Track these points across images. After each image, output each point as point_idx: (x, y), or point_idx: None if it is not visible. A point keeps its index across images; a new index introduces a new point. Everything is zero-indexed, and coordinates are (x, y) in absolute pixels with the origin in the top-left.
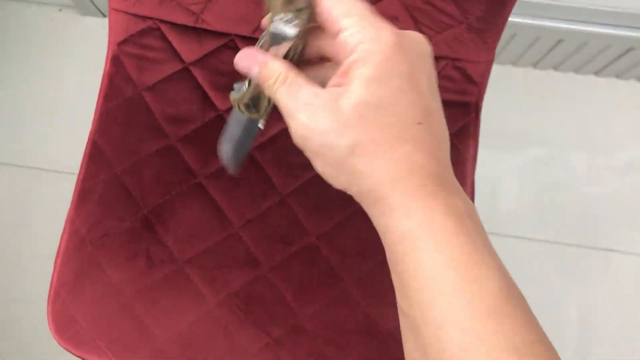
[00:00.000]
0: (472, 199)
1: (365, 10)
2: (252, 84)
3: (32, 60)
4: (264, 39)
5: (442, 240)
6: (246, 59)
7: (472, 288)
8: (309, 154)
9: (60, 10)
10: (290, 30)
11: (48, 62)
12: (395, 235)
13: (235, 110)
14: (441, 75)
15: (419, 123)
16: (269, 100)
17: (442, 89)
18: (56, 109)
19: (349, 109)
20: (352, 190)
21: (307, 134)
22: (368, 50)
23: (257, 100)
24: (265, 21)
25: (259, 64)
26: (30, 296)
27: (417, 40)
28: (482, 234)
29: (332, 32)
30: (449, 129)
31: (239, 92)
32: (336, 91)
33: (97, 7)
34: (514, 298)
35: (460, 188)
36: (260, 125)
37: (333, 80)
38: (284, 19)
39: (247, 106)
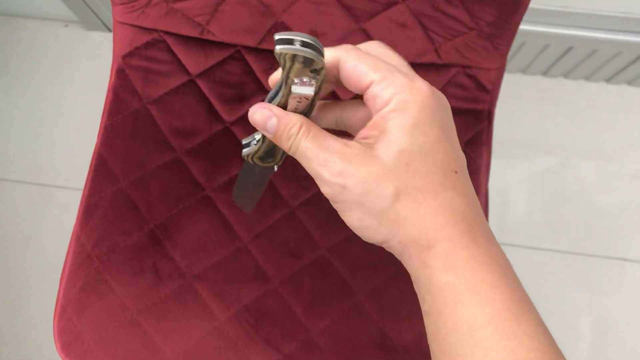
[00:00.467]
0: (486, 208)
1: (389, 64)
2: (266, 138)
3: (39, 77)
4: (278, 98)
5: (484, 294)
6: (261, 112)
7: (511, 345)
8: (344, 205)
9: (66, 26)
10: (309, 90)
11: (54, 78)
12: (437, 287)
13: (248, 162)
14: (452, 83)
15: (456, 171)
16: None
17: (453, 97)
18: (63, 125)
19: (391, 157)
20: (393, 242)
21: (345, 182)
22: (405, 100)
23: (272, 151)
24: (274, 78)
25: (276, 116)
26: (37, 313)
27: (439, 93)
28: (520, 284)
29: (358, 88)
30: (462, 138)
31: (251, 147)
32: (368, 142)
33: (102, 22)
34: (551, 354)
35: (493, 234)
36: (275, 168)
37: (362, 133)
38: (301, 81)
39: (261, 158)
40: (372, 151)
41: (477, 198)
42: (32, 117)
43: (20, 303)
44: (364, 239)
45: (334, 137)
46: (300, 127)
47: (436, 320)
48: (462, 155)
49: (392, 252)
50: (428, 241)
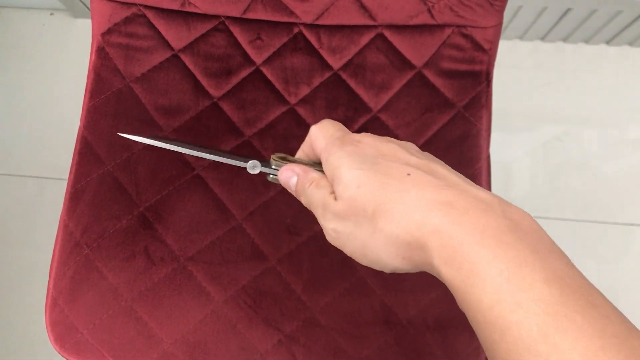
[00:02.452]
0: (489, 173)
1: (332, 137)
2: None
3: (26, 67)
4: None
5: (481, 277)
6: (285, 172)
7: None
8: (347, 248)
9: (51, 14)
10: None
11: (42, 67)
12: (450, 285)
13: None
14: (447, 45)
15: (408, 174)
16: None
17: (449, 59)
18: (54, 114)
19: (347, 188)
20: (400, 262)
21: (335, 226)
22: (333, 150)
23: None
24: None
25: (297, 175)
26: (33, 307)
27: (376, 136)
28: (538, 236)
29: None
30: (460, 101)
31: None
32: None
33: (89, 9)
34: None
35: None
36: None
37: None
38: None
39: None
40: (338, 194)
41: (452, 175)
42: (22, 108)
43: (17, 297)
44: (388, 272)
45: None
46: (312, 182)
47: (470, 317)
48: (415, 161)
49: (417, 271)
50: (417, 242)
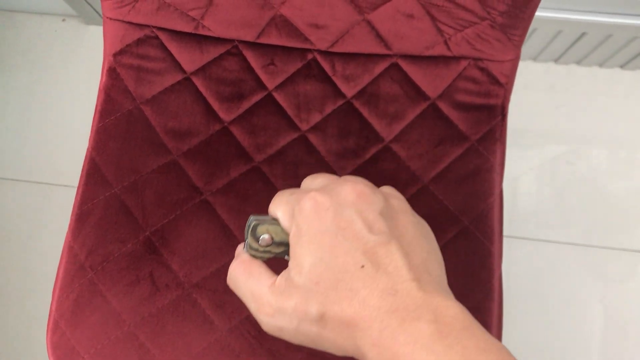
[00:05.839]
0: (501, 209)
1: (288, 197)
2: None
3: (37, 72)
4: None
5: None
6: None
7: None
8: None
9: (63, 20)
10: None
11: (53, 73)
12: None
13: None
14: (463, 77)
15: (362, 266)
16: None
17: (464, 91)
18: (63, 121)
19: (304, 280)
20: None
21: (279, 323)
22: (297, 224)
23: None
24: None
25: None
26: (36, 317)
27: (337, 189)
28: (465, 332)
29: None
30: (474, 134)
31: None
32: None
33: (101, 16)
34: None
35: (445, 294)
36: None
37: None
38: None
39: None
40: (291, 280)
41: (404, 262)
42: (31, 113)
43: (20, 304)
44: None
45: (264, 270)
46: (240, 266)
47: None
48: (371, 243)
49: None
50: (360, 350)
